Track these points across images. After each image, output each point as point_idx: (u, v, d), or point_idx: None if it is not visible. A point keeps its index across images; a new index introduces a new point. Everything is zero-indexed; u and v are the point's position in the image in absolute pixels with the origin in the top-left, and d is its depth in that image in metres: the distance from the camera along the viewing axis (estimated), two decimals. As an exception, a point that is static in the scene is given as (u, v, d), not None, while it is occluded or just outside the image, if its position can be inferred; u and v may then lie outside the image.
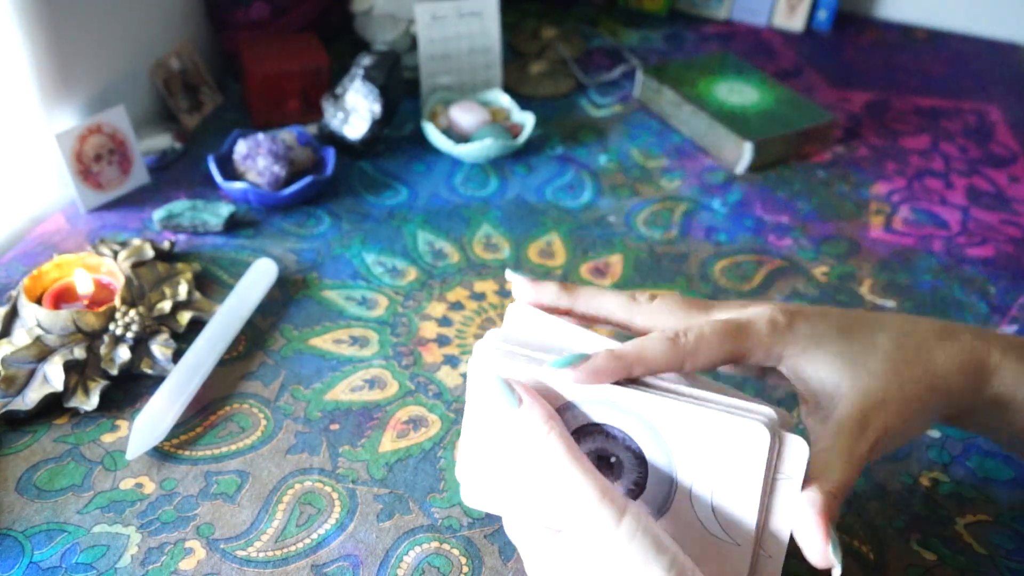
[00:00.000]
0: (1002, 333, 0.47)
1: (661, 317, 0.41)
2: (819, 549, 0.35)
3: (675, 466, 0.37)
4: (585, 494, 0.34)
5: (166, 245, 0.65)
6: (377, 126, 0.77)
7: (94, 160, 0.69)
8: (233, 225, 0.70)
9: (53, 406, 0.53)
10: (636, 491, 0.38)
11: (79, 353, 0.54)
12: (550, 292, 0.42)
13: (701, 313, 0.41)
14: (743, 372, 0.46)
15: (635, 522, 0.34)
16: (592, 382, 0.37)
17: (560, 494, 0.35)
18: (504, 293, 0.65)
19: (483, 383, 0.38)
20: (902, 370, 0.39)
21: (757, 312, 0.40)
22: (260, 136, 0.72)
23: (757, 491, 0.36)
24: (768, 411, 0.36)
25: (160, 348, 0.56)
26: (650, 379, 0.38)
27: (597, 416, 0.38)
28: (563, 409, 0.38)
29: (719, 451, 0.36)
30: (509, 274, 0.42)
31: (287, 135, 0.75)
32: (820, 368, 0.40)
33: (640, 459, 0.38)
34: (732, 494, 0.36)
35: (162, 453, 0.51)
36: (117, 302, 0.57)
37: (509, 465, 0.39)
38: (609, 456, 0.38)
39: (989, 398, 0.41)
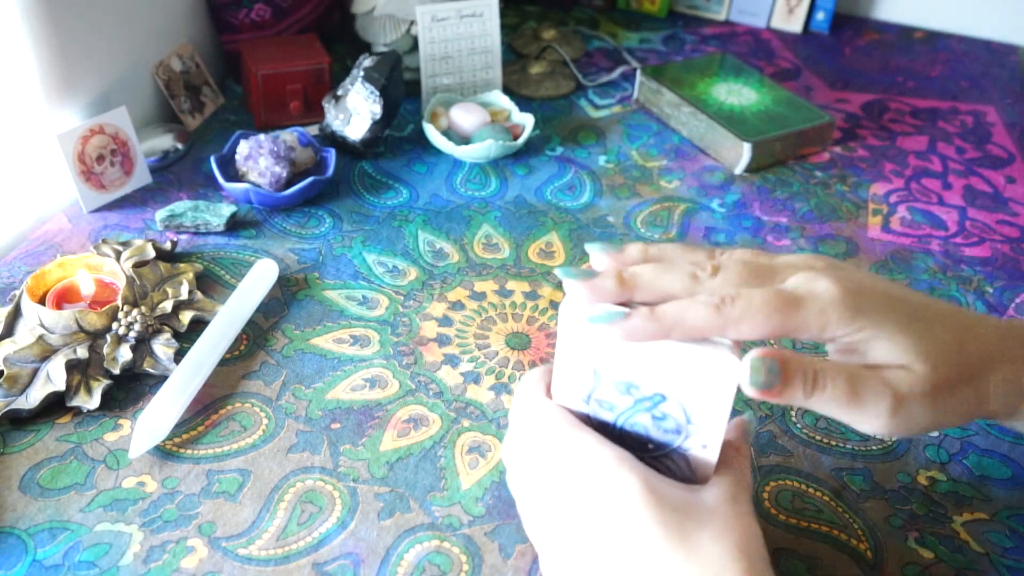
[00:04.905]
0: None
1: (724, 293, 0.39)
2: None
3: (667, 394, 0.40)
4: (604, 459, 0.37)
5: (168, 245, 0.65)
6: (378, 127, 0.77)
7: (96, 161, 0.70)
8: (235, 225, 0.70)
9: (56, 405, 0.53)
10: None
11: (82, 352, 0.54)
12: (607, 289, 0.39)
13: (764, 280, 0.39)
14: None
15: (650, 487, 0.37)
16: (629, 340, 0.37)
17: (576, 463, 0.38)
18: (504, 293, 0.65)
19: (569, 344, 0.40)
20: (954, 389, 0.40)
21: (819, 288, 0.38)
22: (261, 137, 0.73)
23: (728, 406, 0.38)
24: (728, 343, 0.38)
25: (162, 347, 0.56)
26: None
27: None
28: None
29: (696, 379, 0.38)
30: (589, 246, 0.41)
31: (288, 136, 0.75)
32: (881, 352, 0.39)
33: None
34: (705, 412, 0.39)
35: (164, 452, 0.51)
36: (119, 302, 0.57)
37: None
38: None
39: None
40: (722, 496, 0.38)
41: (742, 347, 0.38)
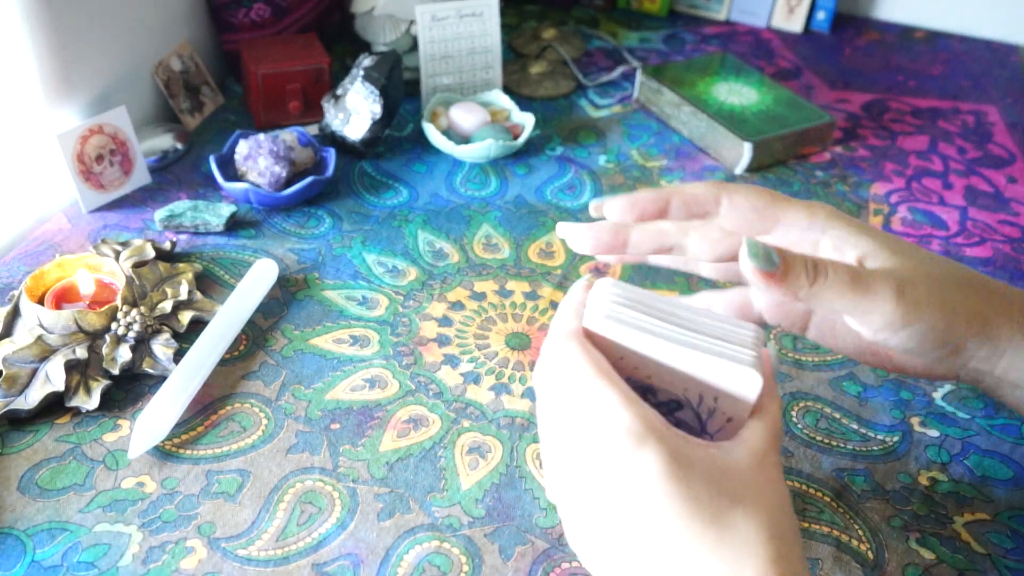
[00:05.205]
0: None
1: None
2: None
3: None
4: (625, 426, 0.35)
5: (167, 245, 0.65)
6: (378, 127, 0.77)
7: (95, 160, 0.69)
8: (234, 225, 0.70)
9: (55, 405, 0.53)
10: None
11: (81, 353, 0.54)
12: (646, 202, 0.44)
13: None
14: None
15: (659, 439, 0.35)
16: (636, 210, 0.42)
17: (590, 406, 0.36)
18: (504, 293, 0.65)
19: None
20: (958, 283, 0.41)
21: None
22: (261, 137, 0.73)
23: (745, 420, 0.38)
24: (751, 337, 0.38)
25: (161, 348, 0.56)
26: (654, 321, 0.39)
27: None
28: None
29: (715, 390, 0.38)
30: (595, 204, 0.45)
31: (288, 136, 0.75)
32: (869, 247, 0.41)
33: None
34: (721, 422, 0.39)
35: (163, 452, 0.51)
36: (118, 302, 0.57)
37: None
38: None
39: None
40: (753, 458, 0.36)
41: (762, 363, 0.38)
